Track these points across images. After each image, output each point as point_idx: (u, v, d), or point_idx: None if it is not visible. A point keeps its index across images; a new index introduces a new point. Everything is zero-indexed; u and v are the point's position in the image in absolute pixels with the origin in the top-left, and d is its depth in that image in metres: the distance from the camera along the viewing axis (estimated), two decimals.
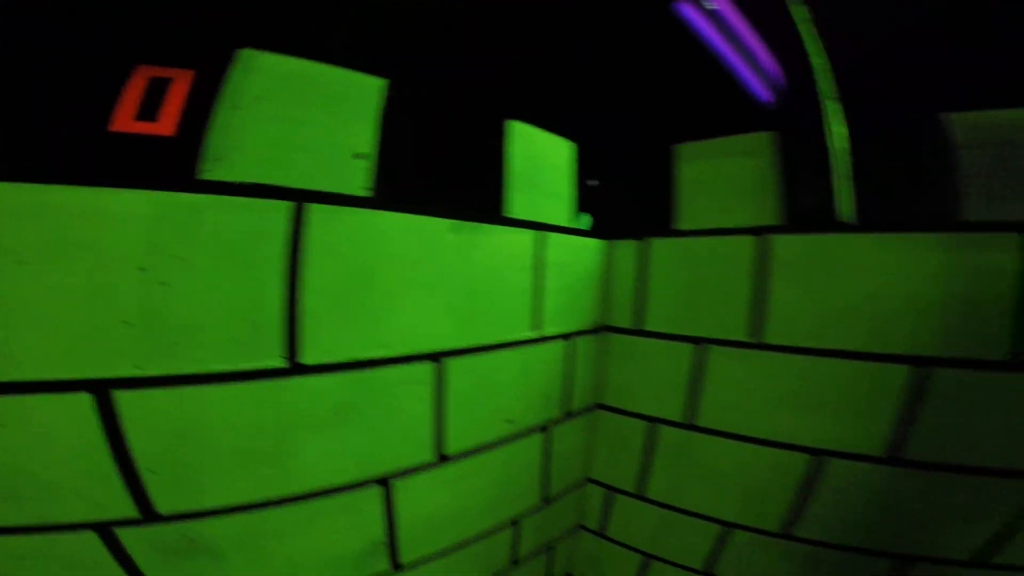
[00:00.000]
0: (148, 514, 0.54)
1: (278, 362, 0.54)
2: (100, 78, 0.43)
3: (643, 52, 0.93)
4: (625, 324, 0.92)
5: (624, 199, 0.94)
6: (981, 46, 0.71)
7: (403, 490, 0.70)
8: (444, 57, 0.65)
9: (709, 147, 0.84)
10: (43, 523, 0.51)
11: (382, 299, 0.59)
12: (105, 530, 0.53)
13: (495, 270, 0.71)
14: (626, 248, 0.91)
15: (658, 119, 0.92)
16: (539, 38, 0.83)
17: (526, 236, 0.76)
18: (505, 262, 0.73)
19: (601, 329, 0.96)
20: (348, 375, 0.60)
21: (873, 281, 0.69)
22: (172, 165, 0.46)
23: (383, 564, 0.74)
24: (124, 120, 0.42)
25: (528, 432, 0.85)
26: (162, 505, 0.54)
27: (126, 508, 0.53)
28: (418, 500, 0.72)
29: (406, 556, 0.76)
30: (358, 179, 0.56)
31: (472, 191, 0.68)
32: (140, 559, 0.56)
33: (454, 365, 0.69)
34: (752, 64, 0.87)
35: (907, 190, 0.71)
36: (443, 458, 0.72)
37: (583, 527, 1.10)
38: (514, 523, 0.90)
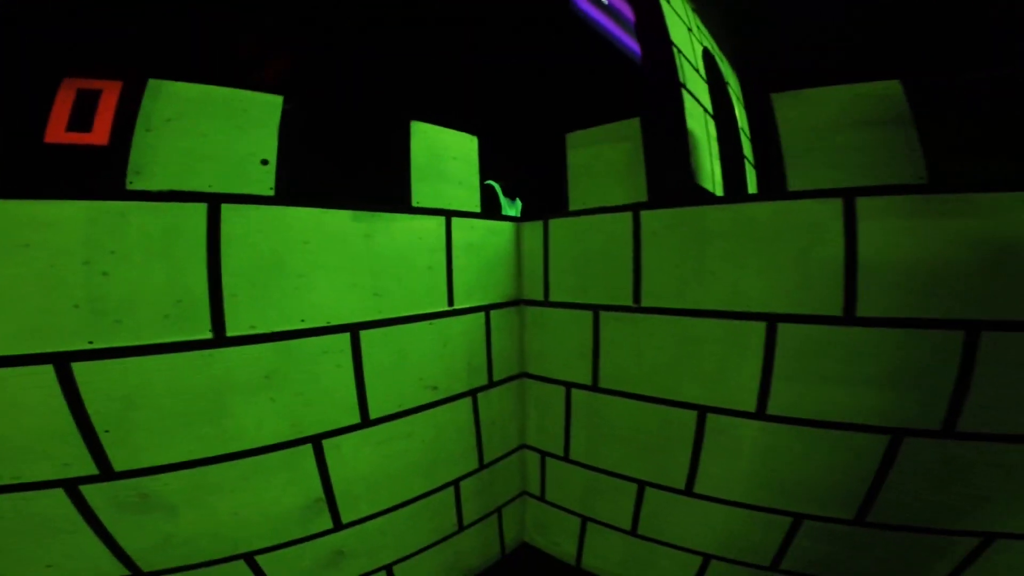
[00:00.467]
0: (106, 470, 0.64)
1: (207, 334, 0.66)
2: (27, 93, 0.54)
3: (545, 48, 1.08)
4: (537, 297, 1.05)
5: (533, 185, 1.07)
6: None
7: (334, 449, 0.80)
8: (343, 66, 0.79)
9: (592, 134, 0.98)
10: (17, 482, 0.61)
11: (294, 279, 0.72)
12: (71, 487, 0.63)
13: (402, 252, 0.84)
14: (534, 229, 1.05)
15: (557, 111, 1.06)
16: (446, 42, 0.97)
17: (433, 222, 0.90)
18: (412, 245, 0.86)
19: (520, 302, 1.09)
20: (273, 345, 0.72)
21: (724, 245, 0.81)
22: (106, 172, 0.58)
23: (326, 521, 0.84)
24: (56, 131, 0.54)
25: (454, 398, 0.96)
26: (117, 462, 0.64)
27: (87, 466, 0.63)
28: (350, 459, 0.83)
29: (348, 514, 0.86)
30: (265, 181, 0.69)
31: (377, 185, 0.81)
32: (103, 514, 0.66)
33: (369, 336, 0.81)
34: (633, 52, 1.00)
35: (740, 168, 0.84)
36: (369, 420, 0.83)
37: (528, 493, 1.20)
38: (454, 485, 1.00)
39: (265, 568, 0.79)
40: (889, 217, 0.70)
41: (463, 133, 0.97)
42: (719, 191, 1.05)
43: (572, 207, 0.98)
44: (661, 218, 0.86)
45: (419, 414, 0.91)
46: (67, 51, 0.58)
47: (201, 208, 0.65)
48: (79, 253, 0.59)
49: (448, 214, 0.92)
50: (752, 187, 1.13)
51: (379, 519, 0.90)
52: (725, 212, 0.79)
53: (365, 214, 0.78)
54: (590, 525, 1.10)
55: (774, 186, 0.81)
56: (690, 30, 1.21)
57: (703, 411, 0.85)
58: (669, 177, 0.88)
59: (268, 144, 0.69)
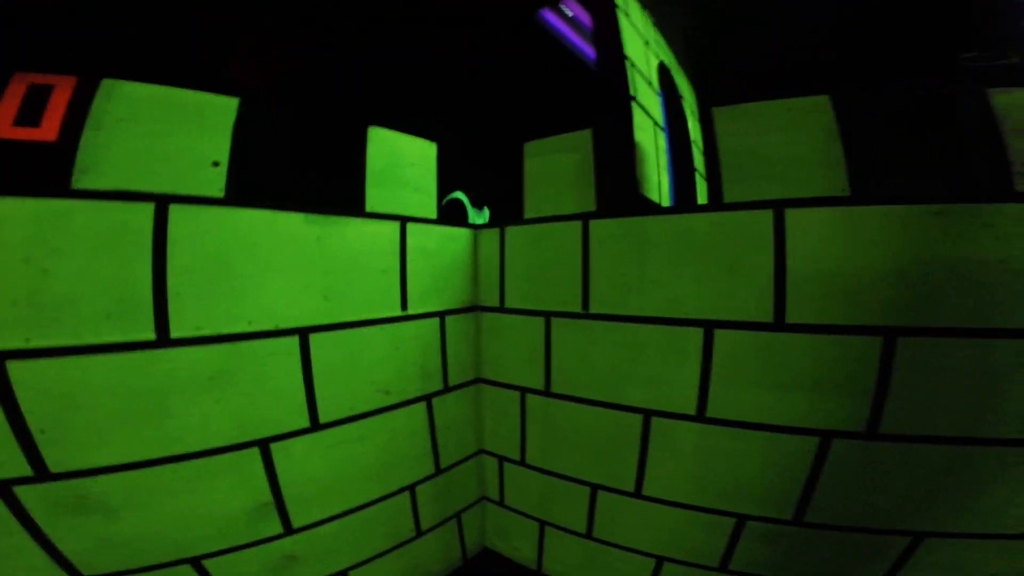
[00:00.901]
0: (41, 472, 0.64)
1: (149, 335, 0.67)
2: None
3: (511, 56, 1.11)
4: (494, 303, 1.07)
5: (500, 194, 1.10)
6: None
7: (282, 452, 0.81)
8: (308, 68, 0.81)
9: (548, 144, 1.02)
10: None
11: (242, 281, 0.73)
12: (4, 488, 0.63)
13: (355, 256, 0.86)
14: (490, 236, 1.07)
15: (522, 120, 1.10)
16: (411, 45, 1.00)
17: (387, 227, 0.91)
18: (365, 249, 0.87)
19: (475, 308, 1.10)
20: (219, 347, 0.72)
21: (664, 254, 0.84)
22: (53, 170, 0.59)
23: (276, 526, 0.84)
24: (3, 126, 0.54)
25: (408, 403, 0.97)
26: (53, 463, 0.64)
27: (21, 467, 0.63)
28: (299, 463, 0.83)
29: (299, 519, 0.86)
30: (215, 183, 0.71)
31: (330, 189, 0.83)
32: (38, 516, 0.65)
33: (319, 339, 0.82)
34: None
35: (691, 180, 0.88)
36: (319, 424, 0.84)
37: (488, 498, 1.20)
38: (410, 490, 1.01)
39: (212, 572, 0.79)
40: (816, 228, 0.74)
41: (422, 139, 0.99)
42: (666, 202, 1.09)
43: (527, 215, 1.01)
44: (608, 227, 0.89)
45: (372, 418, 0.91)
46: (19, 44, 0.59)
47: (148, 208, 0.66)
48: (19, 250, 0.59)
49: (404, 219, 0.94)
50: (703, 199, 1.18)
51: (332, 524, 0.90)
52: (665, 223, 0.82)
53: (318, 217, 0.80)
54: (548, 529, 1.11)
55: (717, 198, 0.84)
56: (647, 44, 1.26)
57: (648, 414, 0.88)
58: (616, 187, 0.91)
59: (221, 146, 0.71)
